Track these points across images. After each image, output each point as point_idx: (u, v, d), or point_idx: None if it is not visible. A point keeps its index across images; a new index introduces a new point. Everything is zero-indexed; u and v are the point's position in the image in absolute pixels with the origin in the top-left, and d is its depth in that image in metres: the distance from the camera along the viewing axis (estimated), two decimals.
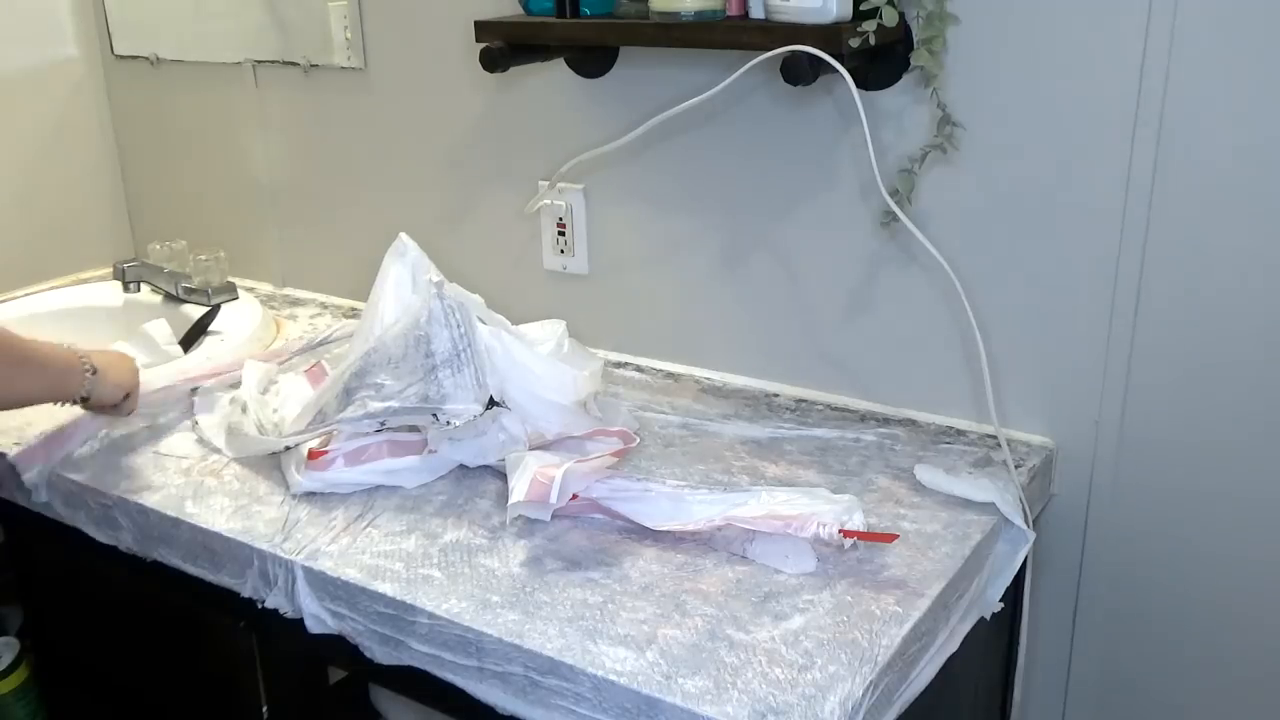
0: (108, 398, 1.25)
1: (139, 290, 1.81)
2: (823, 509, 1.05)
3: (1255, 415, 1.17)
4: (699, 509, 1.09)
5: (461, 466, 1.25)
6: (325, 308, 1.84)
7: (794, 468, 1.24)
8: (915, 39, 1.19)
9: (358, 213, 1.80)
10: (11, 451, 1.30)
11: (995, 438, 1.24)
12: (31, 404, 1.20)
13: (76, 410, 1.29)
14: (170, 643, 1.30)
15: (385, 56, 1.67)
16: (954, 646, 1.08)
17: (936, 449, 1.28)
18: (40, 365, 1.17)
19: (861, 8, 1.15)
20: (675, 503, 1.10)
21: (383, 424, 1.20)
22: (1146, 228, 1.17)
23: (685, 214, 1.47)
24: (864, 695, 0.89)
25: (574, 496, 1.10)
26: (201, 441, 1.34)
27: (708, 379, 1.50)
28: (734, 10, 1.21)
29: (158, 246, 1.82)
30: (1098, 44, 1.14)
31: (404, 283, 1.27)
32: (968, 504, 1.16)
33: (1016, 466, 1.22)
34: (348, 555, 1.09)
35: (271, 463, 1.28)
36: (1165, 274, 1.18)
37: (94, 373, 1.22)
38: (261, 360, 1.49)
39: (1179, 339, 1.19)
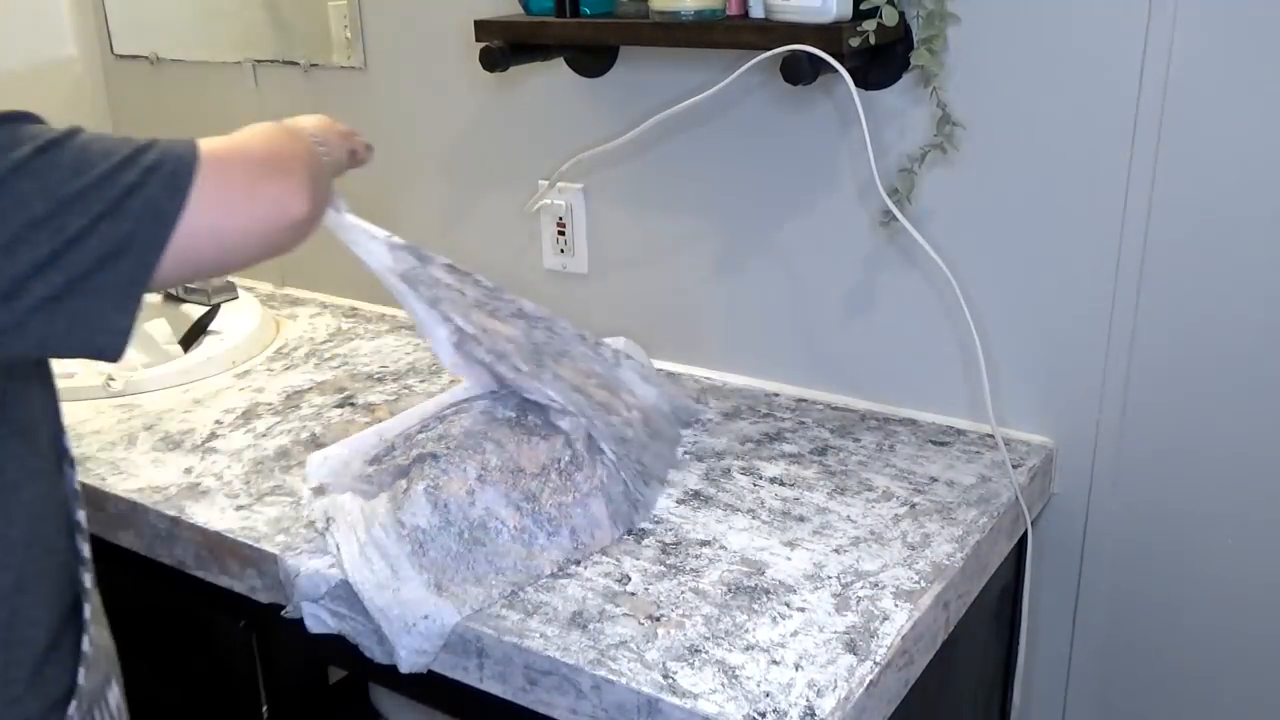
0: (339, 164, 1.05)
1: None
2: None
3: (1255, 414, 1.17)
4: None
5: None
6: (325, 307, 1.84)
7: (794, 467, 1.24)
8: (915, 38, 1.19)
9: (358, 212, 1.79)
10: None
11: (994, 437, 1.24)
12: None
13: None
14: (170, 642, 1.30)
15: (385, 56, 1.67)
16: (954, 644, 1.08)
17: (936, 448, 1.28)
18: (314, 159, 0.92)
19: (861, 7, 1.15)
20: None
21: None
22: (1146, 227, 1.17)
23: (685, 213, 1.47)
24: (863, 695, 0.90)
25: None
26: None
27: (708, 378, 1.50)
28: (734, 10, 1.21)
29: None
30: (1098, 43, 1.14)
31: None
32: (967, 504, 1.16)
33: (1016, 466, 1.22)
34: (349, 554, 1.09)
35: (272, 462, 1.28)
36: (1165, 273, 1.18)
37: (323, 146, 0.97)
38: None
39: (1179, 339, 1.19)
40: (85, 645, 0.89)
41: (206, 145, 0.79)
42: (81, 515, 0.91)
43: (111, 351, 0.75)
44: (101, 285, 0.73)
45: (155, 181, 0.74)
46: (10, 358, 0.75)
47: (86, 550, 0.91)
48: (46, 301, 0.71)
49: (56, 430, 0.88)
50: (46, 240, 0.70)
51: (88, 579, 0.91)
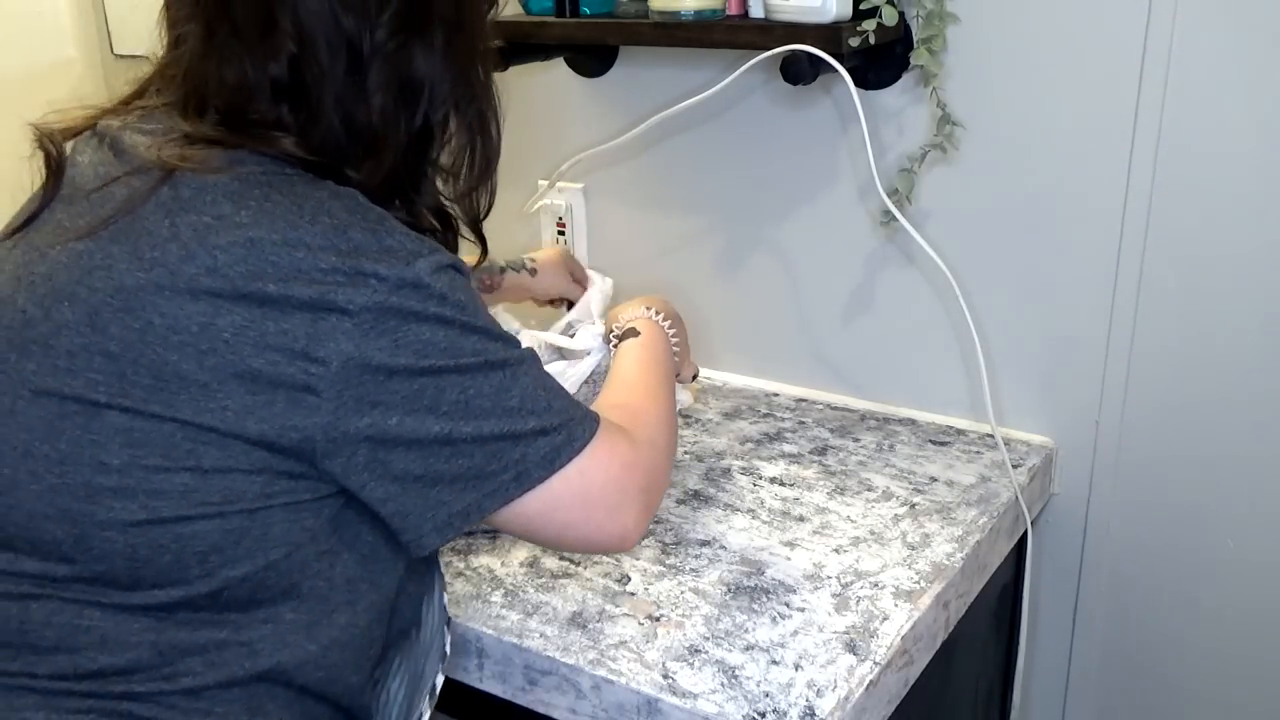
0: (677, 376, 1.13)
1: None
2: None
3: (1256, 414, 1.17)
4: None
5: None
6: None
7: (794, 467, 1.24)
8: (915, 38, 1.19)
9: None
10: None
11: (994, 437, 1.24)
12: None
13: None
14: None
15: None
16: (954, 644, 1.08)
17: (936, 448, 1.28)
18: (670, 382, 1.02)
19: (861, 7, 1.15)
20: None
21: None
22: (1146, 227, 1.17)
23: (685, 213, 1.47)
24: (863, 695, 0.89)
25: None
26: None
27: (708, 379, 1.50)
28: (733, 10, 1.21)
29: None
30: (1098, 43, 1.14)
31: None
32: (967, 504, 1.16)
33: (1016, 466, 1.22)
34: None
35: None
36: (1165, 273, 1.18)
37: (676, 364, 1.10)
38: None
39: (1179, 339, 1.19)
40: None
41: (604, 438, 0.80)
42: (439, 679, 0.88)
43: (409, 549, 0.77)
44: (442, 498, 0.75)
45: (540, 444, 0.76)
46: (338, 485, 0.75)
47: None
48: (394, 477, 0.73)
49: (414, 572, 0.85)
50: (435, 430, 0.72)
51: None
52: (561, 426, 0.78)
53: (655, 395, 0.97)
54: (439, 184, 0.84)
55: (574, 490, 0.79)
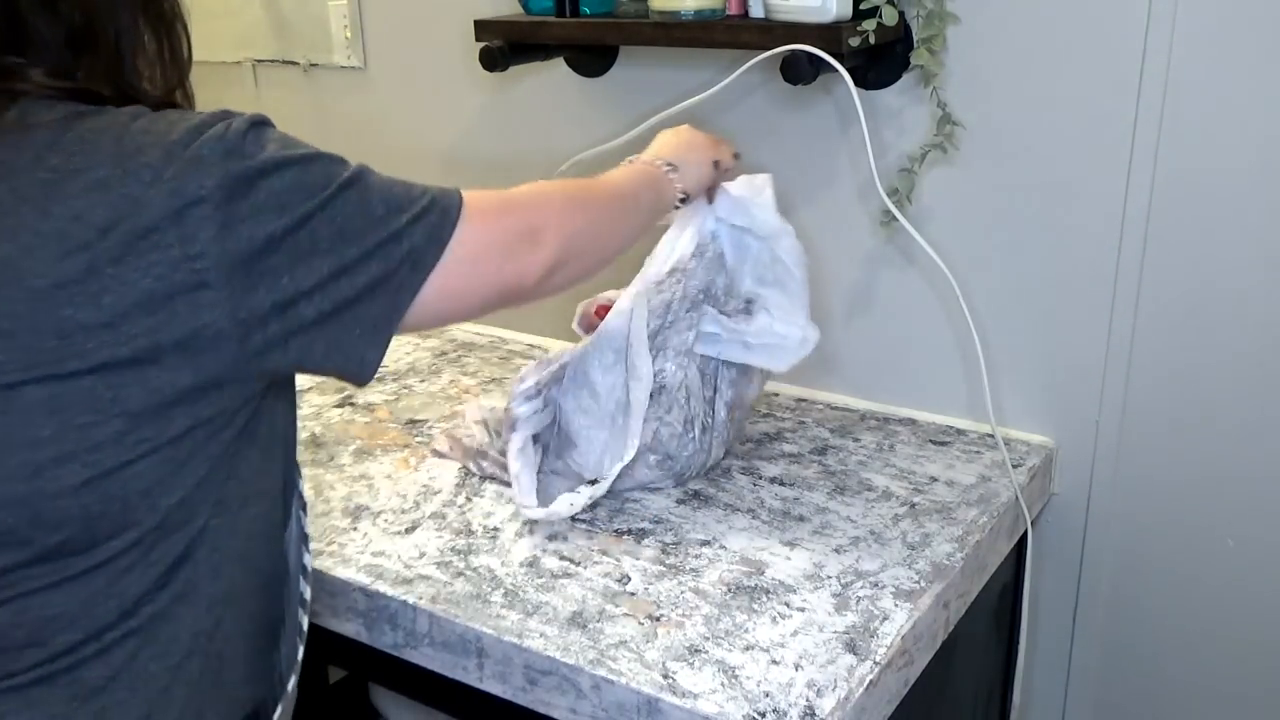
0: (702, 180, 1.15)
1: None
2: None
3: (1255, 414, 1.17)
4: None
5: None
6: None
7: (794, 467, 1.24)
8: (915, 38, 1.19)
9: None
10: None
11: (994, 436, 1.24)
12: (637, 239, 1.09)
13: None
14: None
15: (385, 56, 1.67)
16: (954, 644, 1.08)
17: (936, 448, 1.28)
18: (634, 200, 1.07)
19: (861, 7, 1.15)
20: None
21: None
22: (1146, 227, 1.17)
23: None
24: (863, 694, 0.90)
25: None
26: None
27: None
28: (734, 9, 1.22)
29: None
30: (1098, 43, 1.14)
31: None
32: (967, 504, 1.16)
33: (1016, 466, 1.22)
34: (346, 554, 1.09)
35: None
36: (1165, 273, 1.18)
37: (675, 170, 1.10)
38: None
39: (1179, 338, 1.19)
40: (291, 686, 0.91)
41: (472, 202, 0.85)
42: (308, 558, 0.93)
43: (359, 378, 0.81)
44: (359, 316, 0.78)
45: (419, 229, 0.80)
46: (267, 373, 0.78)
47: (308, 593, 0.93)
48: (311, 323, 0.76)
49: (289, 456, 0.89)
50: (326, 269, 0.76)
51: (304, 620, 0.92)
52: (430, 206, 0.82)
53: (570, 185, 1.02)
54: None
55: (463, 256, 0.83)
